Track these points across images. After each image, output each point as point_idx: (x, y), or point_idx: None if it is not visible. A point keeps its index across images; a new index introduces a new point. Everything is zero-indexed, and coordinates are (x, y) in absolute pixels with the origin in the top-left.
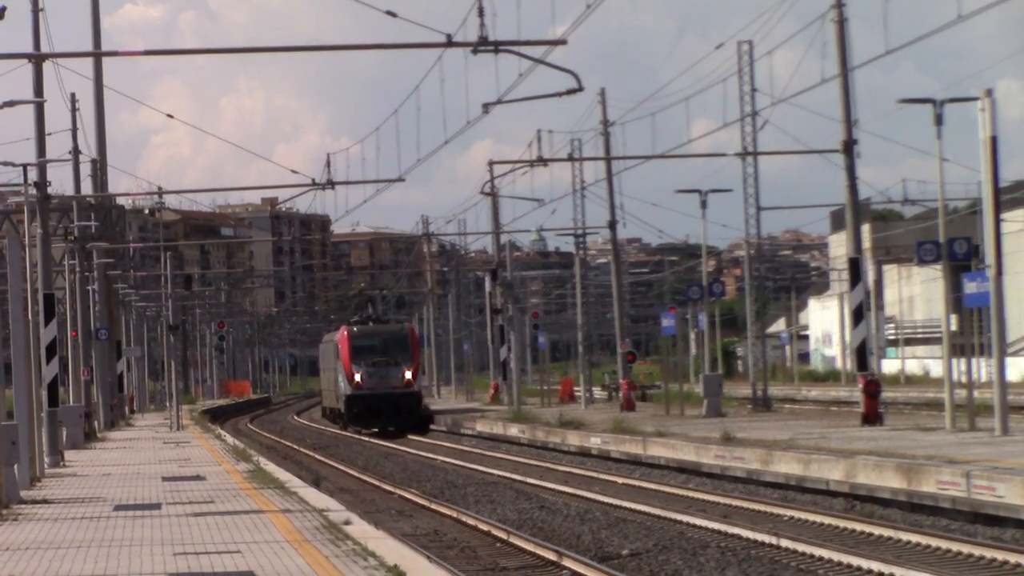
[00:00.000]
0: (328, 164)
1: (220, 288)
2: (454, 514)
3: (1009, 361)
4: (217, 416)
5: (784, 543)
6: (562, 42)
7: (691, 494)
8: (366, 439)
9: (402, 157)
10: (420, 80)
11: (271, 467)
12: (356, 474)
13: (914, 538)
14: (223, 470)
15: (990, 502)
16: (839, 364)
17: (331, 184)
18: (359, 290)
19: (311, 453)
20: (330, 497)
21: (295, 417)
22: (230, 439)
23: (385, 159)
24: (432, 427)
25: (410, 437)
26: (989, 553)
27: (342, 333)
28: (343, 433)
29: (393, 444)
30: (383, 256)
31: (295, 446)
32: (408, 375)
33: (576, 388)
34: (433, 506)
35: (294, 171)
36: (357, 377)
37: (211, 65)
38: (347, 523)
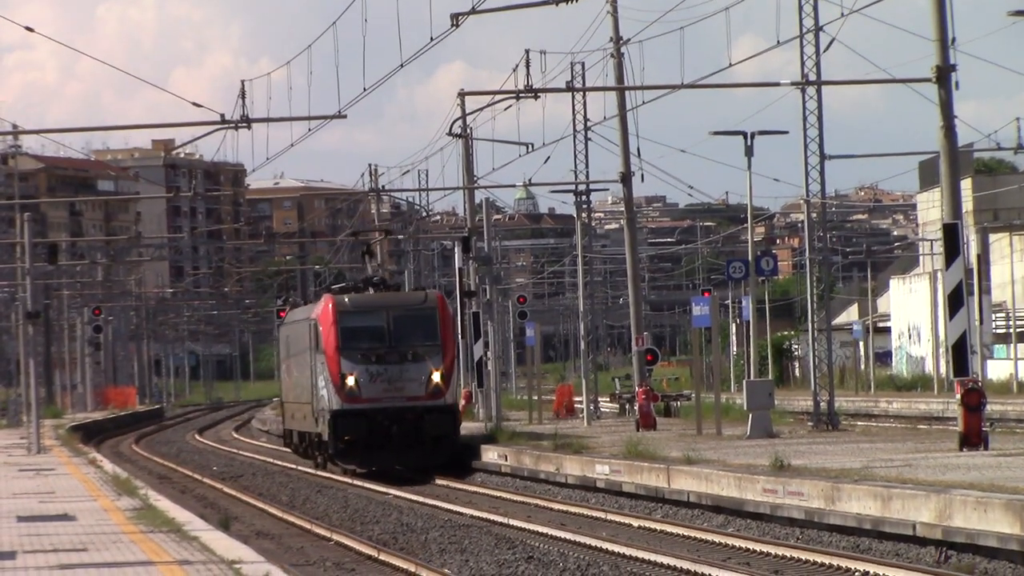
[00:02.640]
0: (243, 95)
1: (96, 262)
2: (411, 568)
3: None
4: (92, 434)
5: None
6: None
7: (731, 541)
8: (291, 465)
9: (343, 86)
10: None
11: (164, 503)
12: (279, 513)
13: None
14: (99, 507)
15: None
16: (930, 367)
17: (246, 122)
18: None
19: (218, 485)
20: (244, 544)
21: (197, 436)
22: (109, 466)
23: (320, 89)
24: (479, 464)
25: (438, 482)
26: None
27: (324, 306)
28: (265, 459)
29: (328, 475)
30: (316, 219)
31: (196, 475)
32: (437, 377)
33: (576, 399)
34: (382, 557)
35: (197, 104)
36: (350, 381)
37: None
38: None
